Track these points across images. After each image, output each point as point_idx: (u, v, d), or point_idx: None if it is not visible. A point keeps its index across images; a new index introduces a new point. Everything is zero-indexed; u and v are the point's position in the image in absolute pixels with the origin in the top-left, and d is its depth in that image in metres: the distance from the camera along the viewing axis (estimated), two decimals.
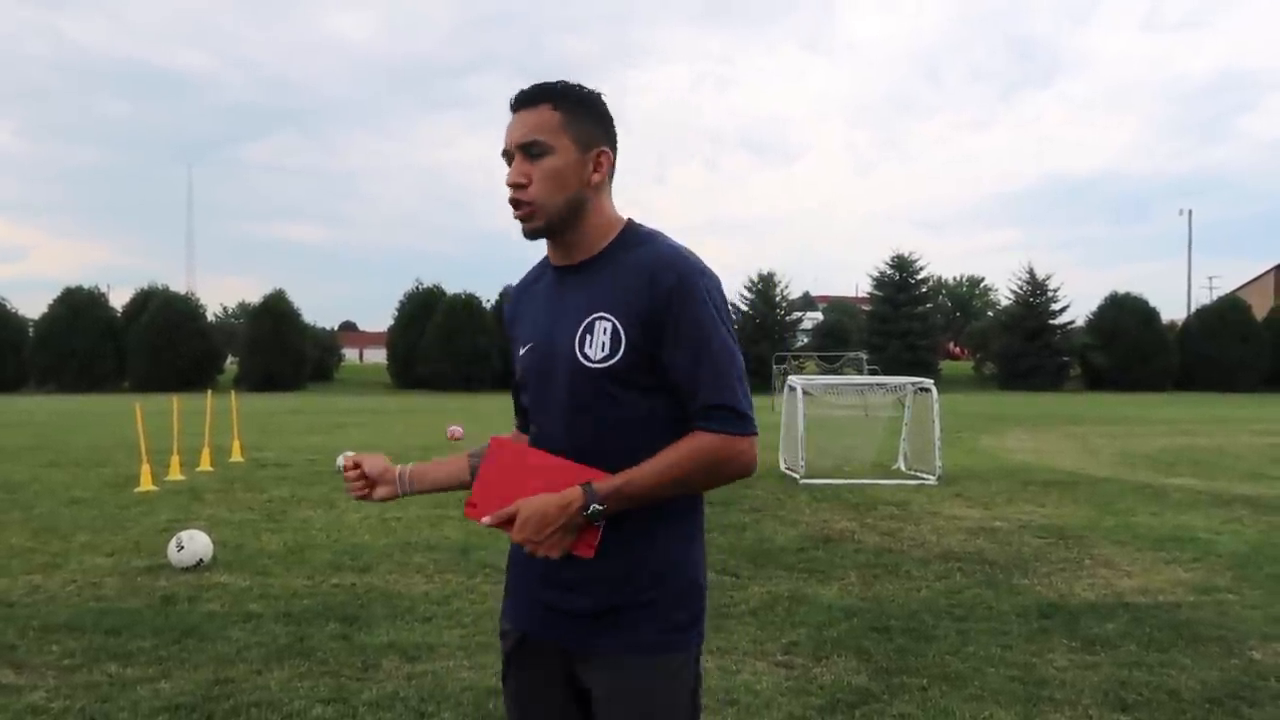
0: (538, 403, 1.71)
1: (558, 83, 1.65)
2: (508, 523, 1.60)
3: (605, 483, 1.58)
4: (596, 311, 1.62)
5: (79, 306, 45.87)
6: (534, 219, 1.64)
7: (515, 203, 1.64)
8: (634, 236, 1.68)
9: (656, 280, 1.59)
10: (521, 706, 1.76)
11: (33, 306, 78.27)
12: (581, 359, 1.61)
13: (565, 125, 1.62)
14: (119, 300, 49.74)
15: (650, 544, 1.65)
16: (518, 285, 1.86)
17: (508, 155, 1.66)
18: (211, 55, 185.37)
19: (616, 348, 1.60)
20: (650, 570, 1.65)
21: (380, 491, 1.86)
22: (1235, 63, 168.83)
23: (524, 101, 1.65)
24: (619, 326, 1.60)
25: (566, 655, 1.68)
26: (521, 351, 1.75)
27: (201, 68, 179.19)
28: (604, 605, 1.64)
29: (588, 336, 1.62)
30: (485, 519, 1.62)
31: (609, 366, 1.60)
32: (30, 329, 47.20)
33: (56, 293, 47.03)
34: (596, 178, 1.65)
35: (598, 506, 1.56)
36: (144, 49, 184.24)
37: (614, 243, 1.67)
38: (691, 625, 1.69)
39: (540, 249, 1.76)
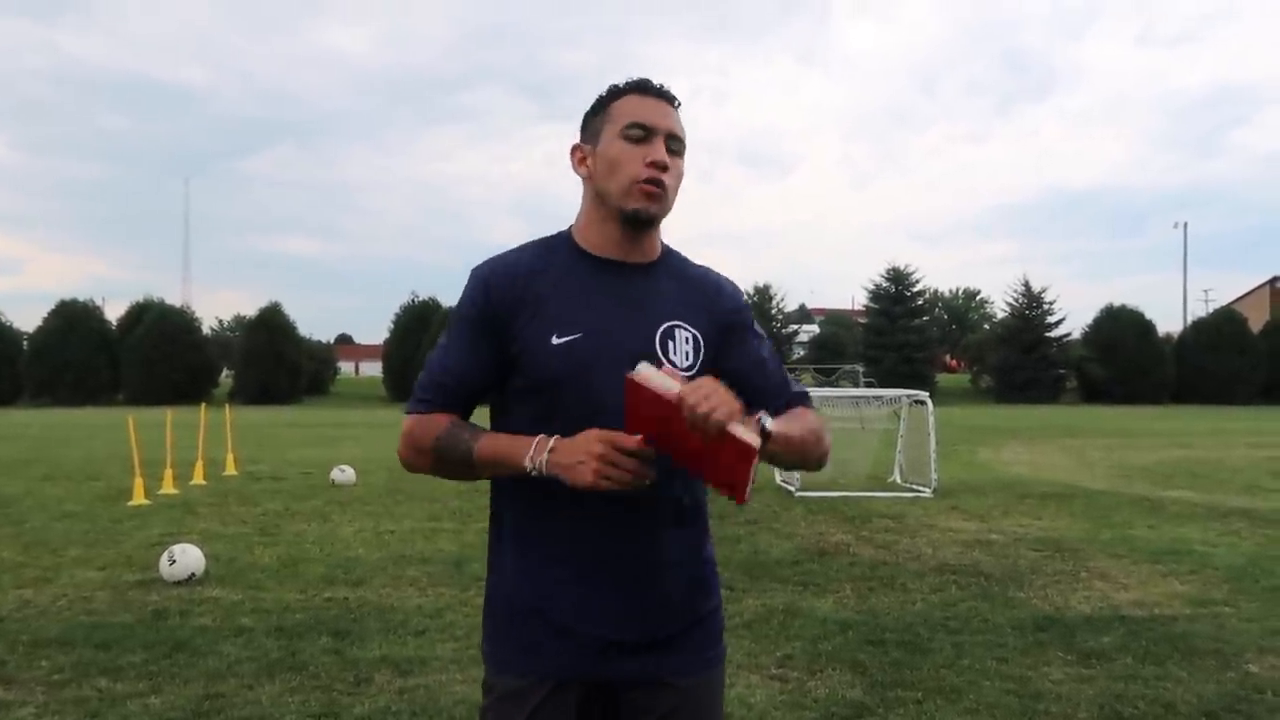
0: (582, 404, 1.53)
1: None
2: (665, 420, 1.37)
3: (769, 420, 1.45)
4: (673, 319, 1.62)
5: (74, 319, 45.75)
6: (660, 203, 1.59)
7: (655, 182, 1.57)
8: (678, 256, 1.73)
9: (722, 294, 1.70)
10: None
11: (27, 319, 78.26)
12: (668, 363, 1.57)
13: (684, 136, 1.64)
14: (114, 313, 49.64)
15: (706, 555, 1.69)
16: (507, 264, 1.62)
17: (646, 131, 1.57)
18: (209, 69, 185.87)
19: (698, 358, 1.62)
20: (712, 582, 1.70)
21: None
22: (1229, 76, 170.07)
23: (670, 98, 1.63)
24: (699, 339, 1.63)
25: (612, 689, 1.59)
26: (558, 340, 1.55)
27: (198, 81, 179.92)
28: (679, 627, 1.62)
29: (669, 343, 1.60)
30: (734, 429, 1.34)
31: (691, 376, 1.52)
32: (25, 342, 47.05)
33: (51, 305, 46.95)
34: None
35: (768, 420, 1.42)
36: (141, 63, 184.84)
37: (664, 256, 1.69)
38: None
39: (505, 238, 1.70)
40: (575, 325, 1.56)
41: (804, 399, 1.72)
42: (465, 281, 1.62)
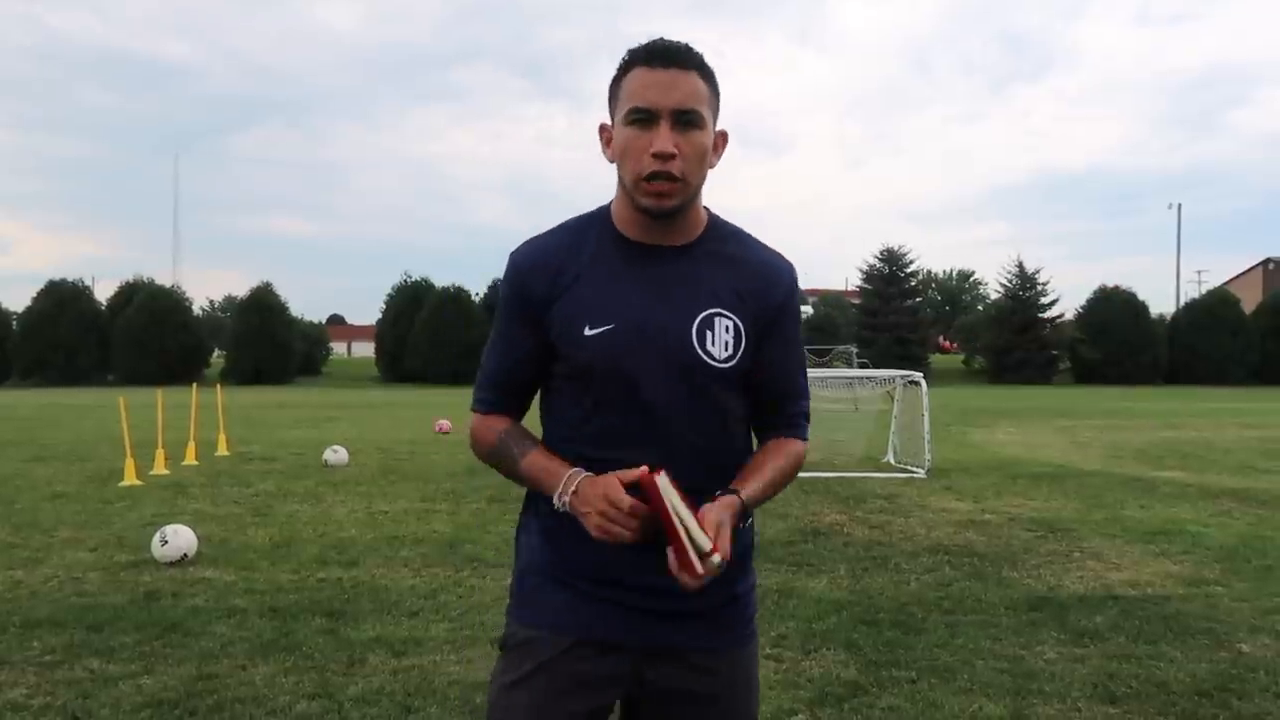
0: (622, 394, 1.52)
1: (695, 50, 1.50)
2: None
3: (745, 494, 1.53)
4: (713, 307, 1.53)
5: (63, 300, 45.51)
6: (675, 196, 1.47)
7: (662, 176, 1.45)
8: (725, 229, 1.61)
9: (775, 284, 1.59)
10: (551, 709, 1.57)
11: (16, 300, 77.86)
12: (704, 355, 1.51)
13: (710, 101, 1.50)
14: (104, 293, 49.72)
15: (744, 536, 1.65)
16: (539, 250, 1.58)
17: (648, 115, 1.45)
18: (196, 44, 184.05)
19: (738, 348, 1.54)
20: (747, 563, 1.69)
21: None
22: (1226, 56, 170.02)
23: (676, 59, 1.46)
24: (741, 327, 1.54)
25: (642, 655, 1.57)
26: (591, 331, 1.51)
27: (186, 57, 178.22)
28: (711, 603, 1.59)
29: (708, 332, 1.52)
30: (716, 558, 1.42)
31: (731, 368, 1.53)
32: (14, 322, 46.84)
33: (40, 285, 46.70)
34: (715, 160, 1.55)
35: (748, 522, 1.57)
36: (127, 38, 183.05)
37: (707, 232, 1.58)
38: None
39: (538, 221, 1.67)
40: (608, 315, 1.51)
41: (798, 423, 1.67)
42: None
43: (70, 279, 47.37)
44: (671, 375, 1.51)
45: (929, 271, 64.09)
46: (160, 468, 10.48)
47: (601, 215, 1.59)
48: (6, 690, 3.78)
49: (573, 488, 1.48)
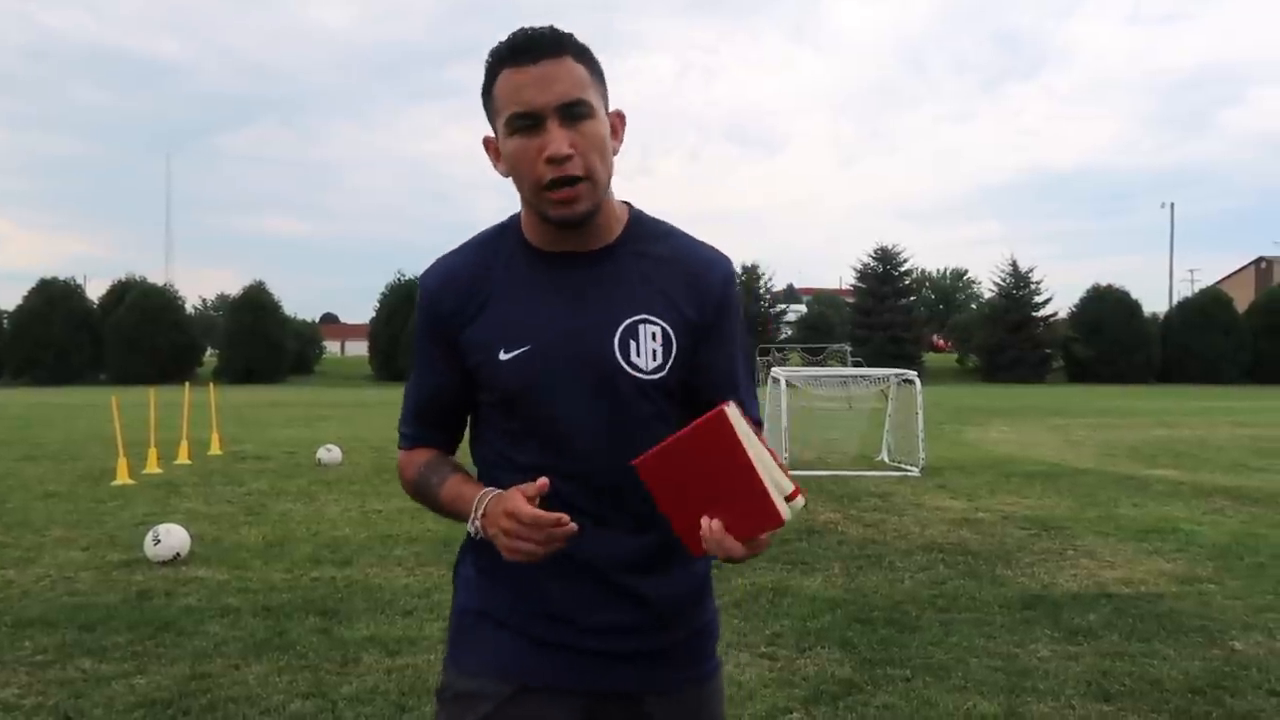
0: (546, 420, 1.39)
1: (561, 32, 1.34)
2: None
3: None
4: (637, 314, 1.39)
5: (55, 298, 45.30)
6: (584, 198, 1.32)
7: (564, 180, 1.31)
8: (648, 226, 1.46)
9: (706, 281, 1.43)
10: None
11: (7, 298, 77.47)
12: (628, 368, 1.37)
13: (594, 83, 1.34)
14: (96, 292, 49.24)
15: (699, 567, 1.53)
16: (447, 271, 1.45)
17: (531, 119, 1.30)
18: (188, 42, 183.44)
19: (668, 357, 1.39)
20: (705, 594, 1.55)
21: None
22: (1217, 56, 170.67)
23: (545, 49, 1.30)
24: (670, 333, 1.39)
25: (595, 700, 1.44)
26: (506, 356, 1.39)
27: (178, 55, 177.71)
28: (669, 640, 1.47)
29: (631, 342, 1.38)
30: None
31: (660, 379, 1.39)
32: (5, 321, 46.62)
33: (31, 284, 46.50)
34: (617, 145, 1.39)
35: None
36: (119, 36, 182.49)
37: (628, 231, 1.44)
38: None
39: (461, 228, 1.54)
40: (523, 336, 1.39)
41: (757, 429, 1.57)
42: None
43: (62, 277, 47.21)
44: (595, 393, 1.38)
45: (923, 270, 64.29)
46: (153, 467, 10.45)
47: (511, 226, 1.46)
48: None
49: (481, 510, 1.35)
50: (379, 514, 7.75)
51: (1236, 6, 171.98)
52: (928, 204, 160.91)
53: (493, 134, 1.39)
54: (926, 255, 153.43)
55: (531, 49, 1.31)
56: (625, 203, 1.48)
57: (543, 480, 1.29)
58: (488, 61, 1.35)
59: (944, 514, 7.82)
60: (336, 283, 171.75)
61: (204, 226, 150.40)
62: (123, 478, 9.57)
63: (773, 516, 1.22)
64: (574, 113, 1.31)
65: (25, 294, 46.23)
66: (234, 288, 53.95)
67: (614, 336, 1.38)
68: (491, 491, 1.37)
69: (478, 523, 1.36)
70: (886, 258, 51.81)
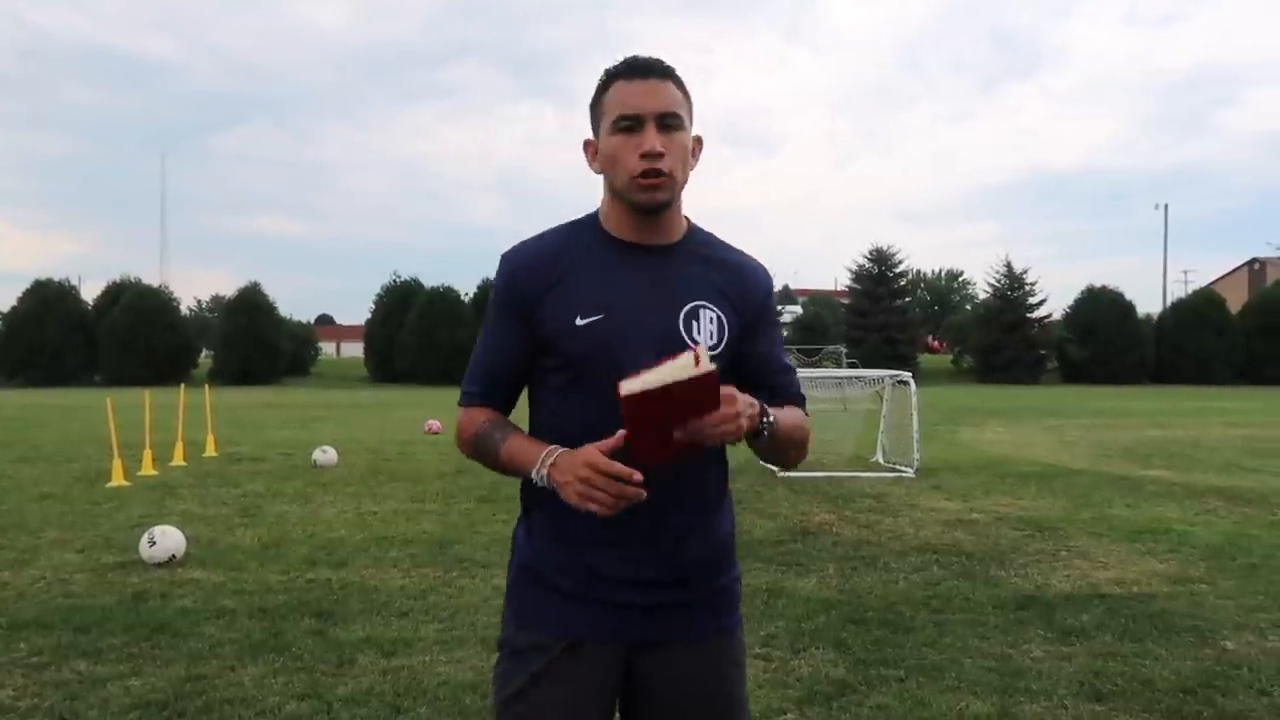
0: (610, 379, 1.47)
1: (666, 63, 1.63)
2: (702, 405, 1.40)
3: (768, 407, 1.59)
4: (697, 300, 1.63)
5: (49, 299, 45.19)
6: (665, 189, 1.59)
7: (654, 172, 1.57)
8: (704, 234, 1.73)
9: (754, 285, 1.71)
10: (562, 710, 1.63)
11: (2, 299, 77.18)
12: (690, 343, 1.58)
13: (686, 105, 1.63)
14: (90, 293, 49.20)
15: (725, 529, 1.73)
16: (531, 251, 1.66)
17: (634, 120, 1.57)
18: (179, 41, 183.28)
19: (722, 338, 1.64)
20: (730, 555, 1.74)
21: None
22: (1213, 57, 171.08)
23: (655, 71, 1.60)
24: (724, 319, 1.65)
25: (636, 649, 1.65)
26: (582, 321, 1.59)
27: (170, 54, 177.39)
28: (695, 595, 1.67)
29: (694, 323, 1.62)
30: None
31: (716, 356, 1.60)
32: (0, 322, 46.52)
33: (25, 285, 46.38)
34: (693, 163, 1.67)
35: (769, 420, 1.57)
36: (110, 35, 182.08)
37: (689, 234, 1.70)
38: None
39: (524, 226, 1.71)
40: (598, 306, 1.60)
41: (802, 401, 1.76)
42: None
43: (56, 279, 47.11)
44: (659, 358, 1.53)
45: (918, 271, 64.40)
46: (148, 468, 10.44)
47: (590, 219, 1.70)
48: None
49: (551, 460, 1.53)
50: (374, 515, 7.75)
51: (1233, 8, 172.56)
52: (924, 204, 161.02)
53: (593, 137, 1.66)
54: (922, 256, 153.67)
55: (643, 69, 1.60)
56: (685, 215, 1.72)
57: (621, 432, 1.43)
58: (602, 78, 1.62)
59: (938, 515, 7.85)
60: (332, 284, 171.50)
61: (198, 227, 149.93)
62: (118, 479, 9.56)
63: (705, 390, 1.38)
64: (669, 122, 1.58)
65: (20, 295, 46.16)
66: (228, 289, 54.09)
67: (679, 315, 1.62)
68: (560, 448, 1.54)
69: (544, 471, 1.53)
70: (882, 259, 51.89)
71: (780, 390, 1.73)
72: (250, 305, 46.85)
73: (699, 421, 1.40)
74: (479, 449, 1.66)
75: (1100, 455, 12.75)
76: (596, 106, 1.64)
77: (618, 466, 1.43)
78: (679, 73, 1.64)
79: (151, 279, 51.39)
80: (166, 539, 5.97)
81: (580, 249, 1.65)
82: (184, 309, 52.21)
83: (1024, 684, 3.88)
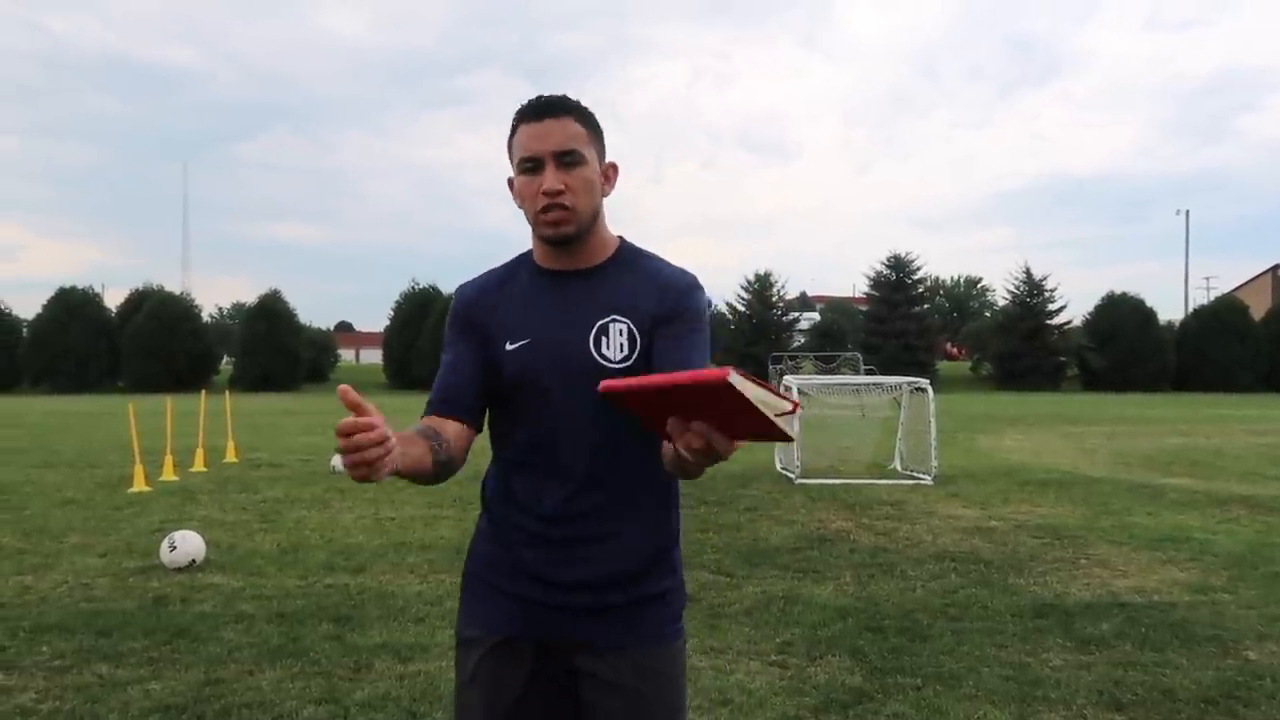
0: (539, 401, 1.70)
1: (569, 99, 1.71)
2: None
3: None
4: (609, 315, 1.70)
5: (73, 307, 45.69)
6: (569, 224, 1.68)
7: (554, 208, 1.66)
8: (632, 252, 1.79)
9: (667, 288, 1.74)
10: (494, 704, 1.72)
11: (26, 307, 78.13)
12: (599, 358, 1.67)
13: (590, 139, 1.71)
14: (113, 300, 49.60)
15: (666, 534, 1.76)
16: (479, 284, 1.82)
17: (534, 162, 1.67)
18: (201, 51, 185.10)
19: (633, 349, 1.69)
20: (670, 560, 1.77)
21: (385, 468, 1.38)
22: (1236, 61, 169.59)
23: (551, 110, 1.68)
24: (634, 329, 1.70)
25: (562, 650, 1.71)
26: (510, 347, 1.72)
27: (192, 64, 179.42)
28: (629, 599, 1.70)
29: (603, 338, 1.69)
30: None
31: (627, 367, 1.67)
32: (24, 329, 47.04)
33: (50, 292, 46.89)
34: (608, 189, 1.76)
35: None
36: (133, 45, 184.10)
37: (614, 255, 1.77)
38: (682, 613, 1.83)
39: (492, 255, 1.79)
40: (524, 332, 1.72)
41: None
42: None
43: (80, 286, 47.61)
44: (576, 379, 1.66)
45: (936, 278, 63.91)
46: (169, 474, 10.53)
47: (526, 255, 1.82)
48: (16, 695, 3.81)
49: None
50: (392, 521, 7.79)
51: (1256, 12, 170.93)
52: (941, 211, 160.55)
53: (512, 176, 1.75)
54: (940, 262, 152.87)
55: (541, 109, 1.68)
56: (619, 236, 1.81)
57: (343, 386, 1.33)
58: (513, 119, 1.71)
59: (956, 522, 7.80)
60: (351, 290, 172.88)
61: (219, 234, 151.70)
62: (139, 485, 9.65)
63: (778, 435, 1.30)
64: (567, 160, 1.67)
65: (44, 303, 46.68)
66: (249, 295, 54.38)
67: (590, 333, 1.69)
68: None
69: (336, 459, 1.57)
70: (899, 266, 51.66)
71: None
72: (270, 312, 47.19)
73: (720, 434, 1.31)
74: None
75: (1120, 463, 12.64)
76: (509, 146, 1.73)
77: (348, 422, 1.33)
78: (583, 105, 1.71)
79: (173, 286, 51.98)
80: (187, 544, 6.02)
81: (514, 281, 1.78)
82: (205, 316, 52.65)
83: (1042, 693, 3.85)
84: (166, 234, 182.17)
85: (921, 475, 10.55)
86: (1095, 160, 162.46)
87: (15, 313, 47.95)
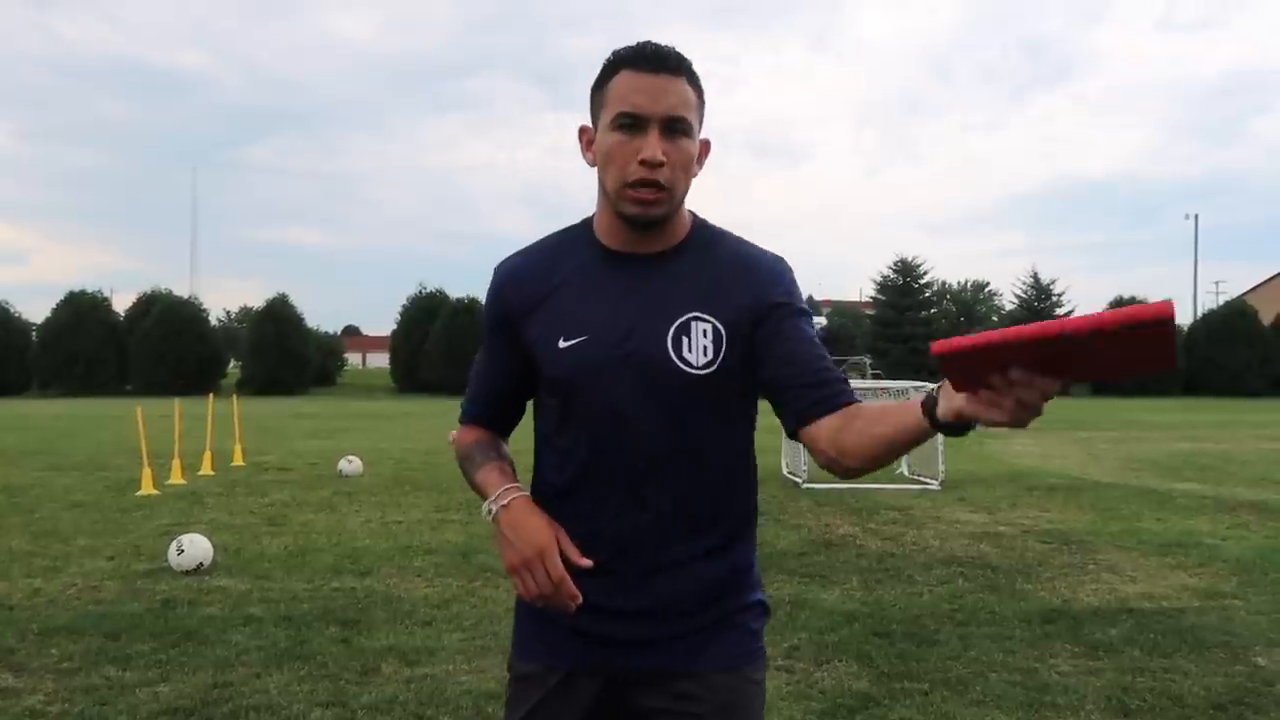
0: (602, 413, 1.47)
1: (684, 55, 1.44)
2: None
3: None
4: (690, 311, 1.46)
5: (82, 310, 45.85)
6: (660, 205, 1.43)
7: (649, 184, 1.40)
8: (709, 231, 1.54)
9: (758, 280, 1.49)
10: None
11: (36, 310, 78.35)
12: (679, 363, 1.44)
13: (697, 108, 1.45)
14: (122, 304, 49.76)
15: (734, 561, 1.56)
16: (526, 264, 1.56)
17: (636, 121, 1.40)
18: (210, 55, 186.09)
19: (718, 352, 1.46)
20: (740, 585, 1.58)
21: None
22: (1248, 64, 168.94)
23: (666, 64, 1.41)
24: (720, 330, 1.46)
25: (625, 682, 1.53)
26: (564, 344, 1.47)
27: (201, 68, 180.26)
28: (696, 626, 1.53)
29: (684, 338, 1.45)
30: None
31: (711, 373, 1.45)
32: (33, 333, 47.25)
33: (58, 296, 47.05)
34: (698, 170, 1.50)
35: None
36: (142, 49, 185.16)
37: (689, 236, 1.52)
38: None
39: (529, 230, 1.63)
40: (582, 327, 1.47)
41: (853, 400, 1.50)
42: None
43: (89, 290, 47.78)
44: (646, 386, 1.45)
45: (944, 283, 63.82)
46: (177, 477, 10.56)
47: (584, 225, 1.55)
48: (25, 697, 3.82)
49: (505, 501, 1.47)
50: (399, 525, 7.80)
51: (1269, 14, 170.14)
52: (949, 215, 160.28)
53: (590, 125, 1.49)
54: (948, 266, 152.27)
55: (655, 60, 1.41)
56: (690, 211, 1.55)
57: (588, 562, 1.42)
58: (608, 59, 1.45)
59: (963, 527, 7.78)
60: (358, 294, 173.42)
61: (227, 238, 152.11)
62: (147, 488, 9.68)
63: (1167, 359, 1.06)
64: (675, 128, 1.41)
65: (54, 307, 46.86)
66: (257, 300, 54.56)
67: (668, 332, 1.46)
68: (519, 489, 1.49)
69: (495, 507, 1.48)
70: (907, 270, 51.68)
71: (813, 385, 1.45)
72: (278, 316, 47.30)
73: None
74: (462, 469, 1.61)
75: (1129, 468, 12.60)
76: (598, 93, 1.46)
77: (563, 573, 1.39)
78: (695, 68, 1.45)
79: (182, 290, 52.16)
80: (194, 547, 6.03)
81: (568, 262, 1.51)
82: (213, 320, 52.79)
83: (1050, 699, 3.84)
84: (175, 238, 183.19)
85: (928, 480, 10.52)
86: (1105, 163, 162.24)
87: (25, 317, 48.20)
